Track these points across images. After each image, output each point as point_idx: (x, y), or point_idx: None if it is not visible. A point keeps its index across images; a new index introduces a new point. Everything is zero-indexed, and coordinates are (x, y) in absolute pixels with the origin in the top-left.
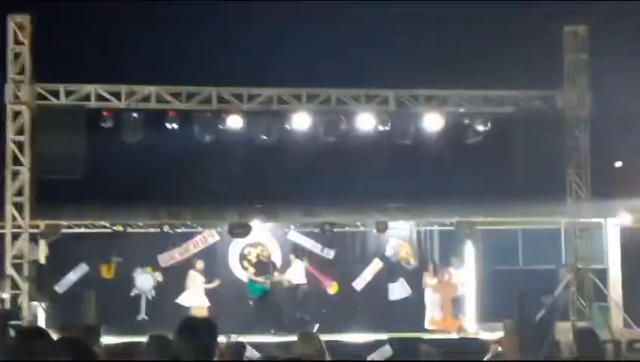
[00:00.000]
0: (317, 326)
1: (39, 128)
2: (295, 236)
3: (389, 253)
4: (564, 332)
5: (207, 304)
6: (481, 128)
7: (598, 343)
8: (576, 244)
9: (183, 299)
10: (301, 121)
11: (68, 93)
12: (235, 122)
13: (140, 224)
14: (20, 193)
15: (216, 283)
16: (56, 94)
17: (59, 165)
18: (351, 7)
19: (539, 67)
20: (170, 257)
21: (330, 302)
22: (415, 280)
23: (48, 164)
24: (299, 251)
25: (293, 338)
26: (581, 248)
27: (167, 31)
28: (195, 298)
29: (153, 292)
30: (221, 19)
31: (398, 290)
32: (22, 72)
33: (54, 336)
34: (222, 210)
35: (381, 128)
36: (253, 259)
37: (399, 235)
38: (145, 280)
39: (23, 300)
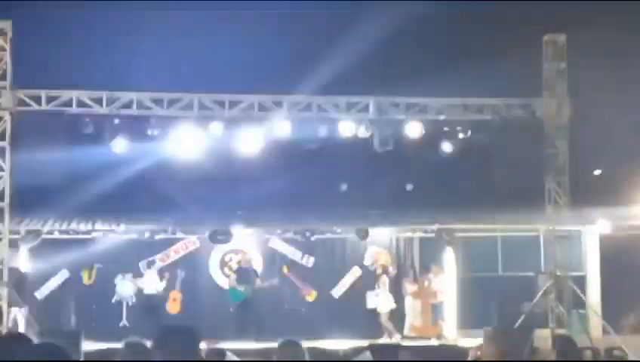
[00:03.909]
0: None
1: (20, 134)
2: (276, 243)
3: (367, 261)
4: (542, 339)
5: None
6: (460, 136)
7: (576, 351)
8: (556, 252)
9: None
10: (282, 128)
11: (49, 99)
12: (216, 129)
13: (121, 230)
14: (0, 198)
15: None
16: (37, 100)
17: (40, 171)
18: (333, 11)
19: (518, 75)
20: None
21: (309, 310)
22: (394, 288)
23: (29, 170)
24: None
25: (275, 344)
26: (560, 255)
27: (151, 37)
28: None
29: (134, 299)
30: (202, 23)
31: (374, 299)
32: (3, 77)
33: (34, 342)
34: (203, 216)
35: (361, 135)
36: (234, 266)
37: (378, 243)
38: (126, 287)
39: (3, 306)
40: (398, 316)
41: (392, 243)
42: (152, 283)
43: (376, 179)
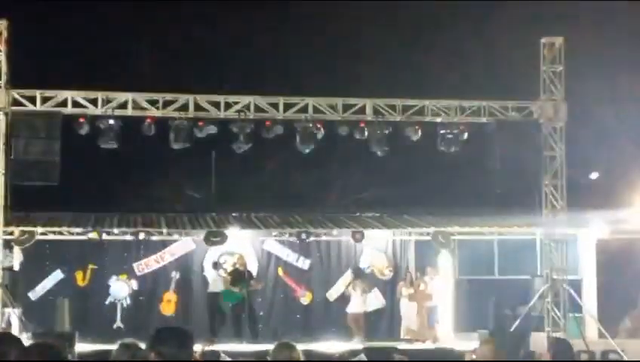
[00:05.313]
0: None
1: (15, 134)
2: (271, 245)
3: (363, 264)
4: (539, 342)
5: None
6: (457, 138)
7: (571, 353)
8: (552, 255)
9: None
10: (278, 130)
11: (44, 100)
12: (211, 130)
13: (116, 231)
14: None
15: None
16: (32, 100)
17: (34, 171)
18: (330, 15)
19: (516, 77)
20: (146, 265)
21: (304, 312)
22: (390, 290)
23: (23, 170)
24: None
25: (269, 346)
26: (556, 259)
27: (145, 38)
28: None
29: (128, 300)
30: (197, 26)
31: (372, 301)
32: None
33: (27, 343)
34: (198, 218)
35: (358, 137)
36: (229, 268)
37: (374, 246)
38: (120, 288)
39: None
40: (394, 319)
41: (388, 246)
42: (217, 282)
43: (373, 181)
